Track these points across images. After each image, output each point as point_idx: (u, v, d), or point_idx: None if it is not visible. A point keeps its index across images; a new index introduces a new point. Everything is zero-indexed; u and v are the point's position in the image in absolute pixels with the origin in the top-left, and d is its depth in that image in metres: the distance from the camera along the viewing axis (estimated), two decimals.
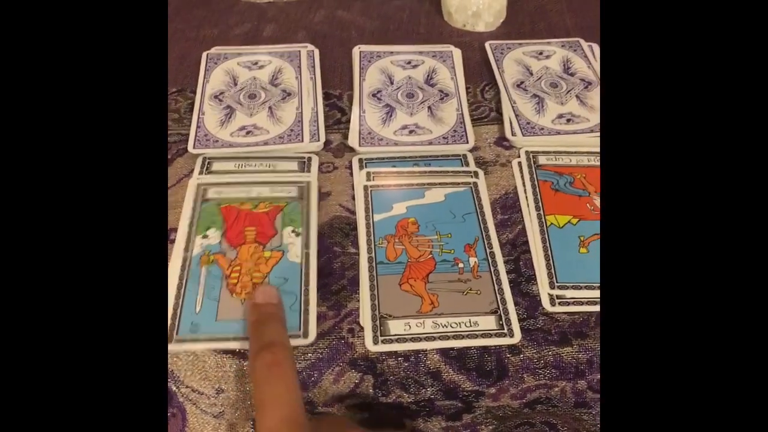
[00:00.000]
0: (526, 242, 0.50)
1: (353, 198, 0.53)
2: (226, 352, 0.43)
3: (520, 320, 0.45)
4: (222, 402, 0.42)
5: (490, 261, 0.48)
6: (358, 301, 0.46)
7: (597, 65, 0.64)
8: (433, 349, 0.43)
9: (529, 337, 0.44)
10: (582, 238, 0.49)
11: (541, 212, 0.51)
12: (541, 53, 0.66)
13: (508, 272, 0.47)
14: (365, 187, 0.53)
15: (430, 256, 0.48)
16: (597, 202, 0.52)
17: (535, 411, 0.42)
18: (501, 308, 0.45)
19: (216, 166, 0.55)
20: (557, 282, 0.46)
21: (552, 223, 0.50)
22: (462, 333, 0.44)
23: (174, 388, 0.42)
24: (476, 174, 0.54)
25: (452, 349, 0.43)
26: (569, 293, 0.46)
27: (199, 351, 0.43)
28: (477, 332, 0.44)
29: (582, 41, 0.67)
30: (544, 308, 0.45)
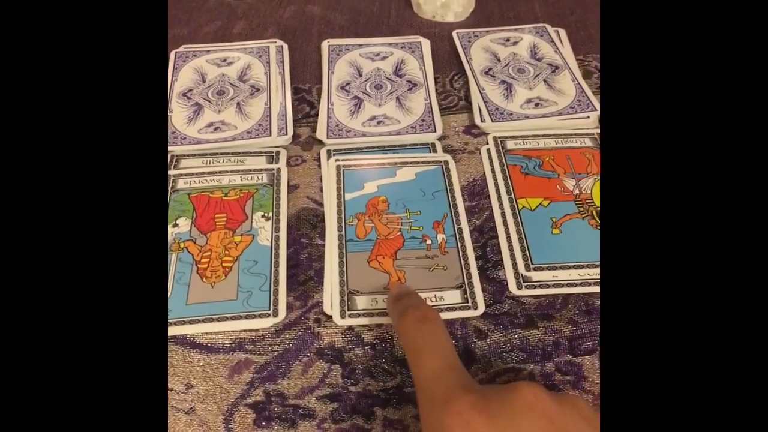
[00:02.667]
0: (493, 228, 0.50)
1: (321, 190, 0.53)
2: (193, 346, 0.43)
3: (486, 305, 0.45)
4: (192, 398, 0.42)
5: (457, 237, 0.48)
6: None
7: (564, 50, 0.64)
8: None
9: (496, 321, 0.44)
10: (554, 220, 0.50)
11: (513, 196, 0.51)
12: (508, 40, 0.66)
13: (475, 258, 0.47)
14: (338, 167, 0.53)
15: (399, 233, 0.49)
16: (566, 183, 0.52)
17: None
18: (466, 282, 0.46)
19: (184, 163, 0.55)
20: (532, 264, 0.47)
21: (524, 206, 0.51)
22: None
23: None
24: (446, 163, 0.54)
25: None
26: (536, 275, 0.46)
27: (169, 335, 0.43)
28: (442, 306, 0.45)
29: (548, 26, 0.67)
30: (510, 292, 0.46)
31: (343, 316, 0.44)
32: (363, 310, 0.44)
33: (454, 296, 0.45)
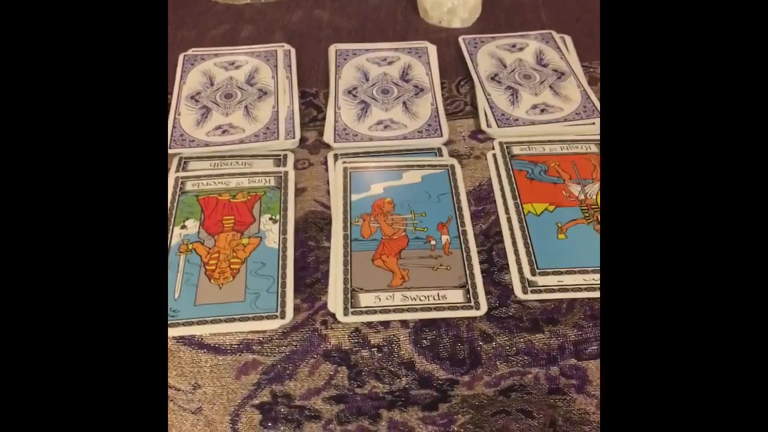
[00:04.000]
0: (499, 233, 0.50)
1: (328, 193, 0.53)
2: (201, 347, 0.43)
3: (491, 309, 0.45)
4: (199, 398, 0.42)
5: (461, 239, 0.49)
6: None
7: (569, 56, 0.65)
8: (405, 339, 0.44)
9: (501, 324, 0.44)
10: (559, 225, 0.50)
11: (518, 201, 0.52)
12: (514, 46, 0.67)
13: (480, 262, 0.48)
14: (345, 168, 0.54)
15: (404, 233, 0.49)
16: (572, 188, 0.53)
17: (510, 399, 0.42)
18: (469, 282, 0.46)
19: (192, 165, 0.55)
20: (538, 269, 0.47)
21: (529, 212, 0.51)
22: (430, 306, 0.45)
23: None
24: (452, 167, 0.54)
25: (425, 338, 0.44)
26: (541, 280, 0.46)
27: (178, 335, 0.44)
28: (444, 305, 0.45)
29: (554, 33, 0.68)
30: (516, 296, 0.46)
31: (346, 314, 0.45)
32: (366, 307, 0.45)
33: (456, 296, 0.46)
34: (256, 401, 0.42)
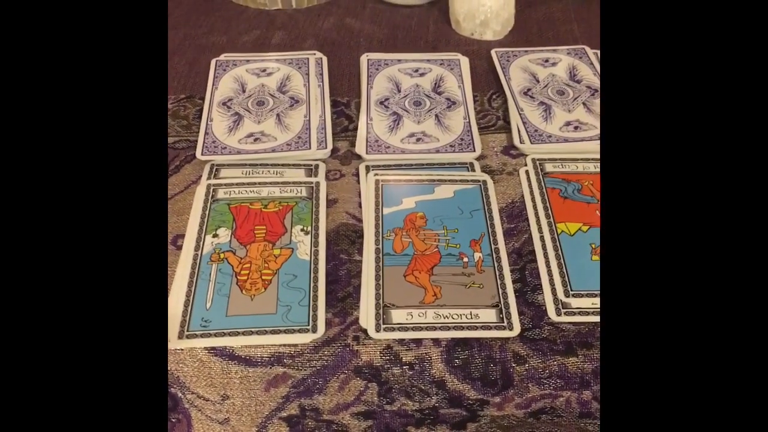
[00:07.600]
0: (532, 251, 0.50)
1: (360, 206, 0.53)
2: (232, 358, 0.43)
3: (525, 330, 0.45)
4: (227, 408, 0.42)
5: (494, 257, 0.49)
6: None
7: None
8: (437, 358, 0.43)
9: (535, 346, 0.44)
10: (593, 246, 0.49)
11: (552, 220, 0.51)
12: (547, 60, 0.66)
13: (513, 282, 0.47)
14: (377, 181, 0.53)
15: (436, 249, 0.49)
16: None
17: (539, 421, 0.42)
18: (502, 302, 0.46)
19: (223, 173, 0.55)
20: (571, 290, 0.46)
21: (563, 231, 0.50)
22: (462, 324, 0.44)
23: (179, 394, 0.42)
24: (485, 183, 0.54)
25: (457, 357, 0.43)
26: (575, 302, 0.46)
27: (209, 346, 0.44)
28: (477, 324, 0.45)
29: (587, 48, 0.67)
30: (549, 318, 0.45)
31: (378, 330, 0.44)
32: (398, 324, 0.44)
33: (489, 315, 0.45)
34: (284, 414, 0.42)
